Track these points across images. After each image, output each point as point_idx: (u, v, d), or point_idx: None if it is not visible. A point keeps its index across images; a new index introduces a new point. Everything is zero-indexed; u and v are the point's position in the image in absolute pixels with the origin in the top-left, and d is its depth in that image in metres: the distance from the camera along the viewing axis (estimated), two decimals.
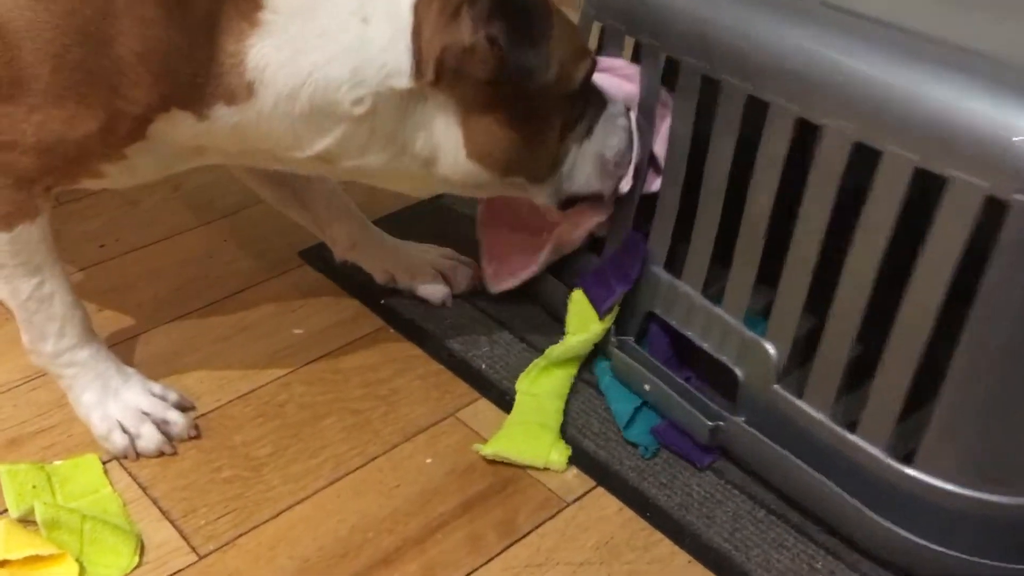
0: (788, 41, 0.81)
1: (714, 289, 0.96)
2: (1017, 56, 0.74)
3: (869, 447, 0.83)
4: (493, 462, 0.96)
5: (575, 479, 0.95)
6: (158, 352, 1.08)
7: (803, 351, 0.90)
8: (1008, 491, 0.79)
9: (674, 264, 0.98)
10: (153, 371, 1.02)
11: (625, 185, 0.99)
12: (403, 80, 0.82)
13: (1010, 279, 0.72)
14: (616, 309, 1.02)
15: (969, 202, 0.71)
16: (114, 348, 0.99)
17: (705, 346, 0.96)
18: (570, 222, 1.02)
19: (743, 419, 0.93)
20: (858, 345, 0.83)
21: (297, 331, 1.12)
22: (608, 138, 0.95)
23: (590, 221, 1.01)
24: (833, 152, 0.78)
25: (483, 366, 1.08)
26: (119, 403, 0.96)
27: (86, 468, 0.93)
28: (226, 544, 0.88)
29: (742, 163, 0.88)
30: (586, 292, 1.01)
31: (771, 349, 0.89)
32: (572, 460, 0.97)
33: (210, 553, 0.87)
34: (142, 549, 0.87)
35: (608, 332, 1.03)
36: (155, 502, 0.91)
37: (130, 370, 0.99)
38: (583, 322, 1.02)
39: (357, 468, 0.96)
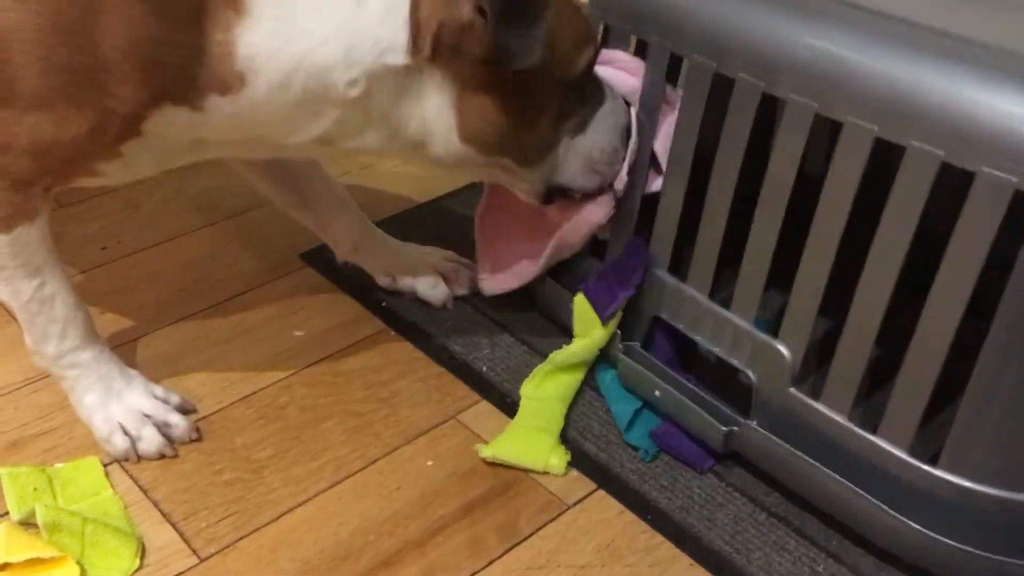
0: (805, 37, 0.80)
1: (722, 292, 0.96)
2: None
3: (892, 448, 0.83)
4: (494, 464, 0.96)
5: (576, 482, 0.95)
6: (159, 354, 1.08)
7: (816, 352, 0.90)
8: None
9: (680, 267, 0.98)
10: (154, 373, 1.02)
11: (620, 184, 0.98)
12: (398, 56, 0.81)
13: None
14: (619, 314, 1.01)
15: (997, 197, 0.71)
16: (116, 350, 0.99)
17: (716, 350, 0.95)
18: (571, 224, 1.01)
19: (757, 423, 0.93)
20: (877, 346, 0.82)
21: (298, 333, 1.12)
22: (601, 136, 0.94)
23: (592, 223, 1.01)
24: (853, 148, 0.78)
25: (484, 368, 1.08)
26: (121, 405, 0.96)
27: (87, 471, 0.93)
28: (227, 546, 0.88)
29: (748, 164, 0.88)
30: (588, 297, 1.01)
31: (785, 352, 0.88)
32: (573, 463, 0.97)
33: (211, 556, 0.87)
34: (143, 552, 0.87)
35: (613, 337, 1.03)
36: (156, 504, 0.91)
37: (133, 372, 0.99)
38: (586, 327, 1.02)
39: (358, 470, 0.96)
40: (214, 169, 1.41)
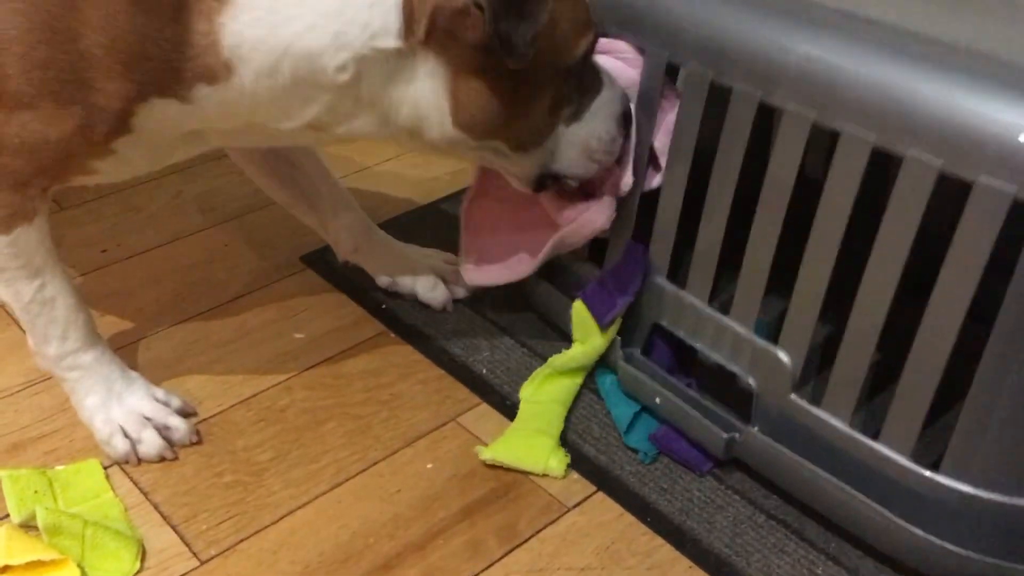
0: (801, 46, 0.80)
1: (721, 298, 0.96)
2: None
3: (893, 454, 0.83)
4: (494, 467, 0.97)
5: (576, 484, 0.95)
6: (159, 357, 1.09)
7: (817, 357, 0.90)
8: None
9: (679, 274, 0.98)
10: (154, 376, 1.02)
11: (626, 188, 0.98)
12: (390, 40, 0.80)
13: None
14: (618, 321, 1.01)
15: (995, 206, 0.71)
16: (116, 353, 1.00)
17: (716, 357, 0.95)
18: (574, 227, 1.00)
19: (758, 429, 0.93)
20: (876, 351, 0.82)
21: (298, 336, 1.13)
22: (598, 125, 0.92)
23: (595, 228, 1.00)
24: (850, 157, 0.78)
25: (484, 371, 1.08)
26: (122, 407, 0.96)
27: (88, 473, 0.93)
28: (227, 549, 0.88)
29: (746, 170, 0.88)
30: (587, 304, 1.01)
31: (785, 358, 0.89)
32: (573, 465, 0.97)
33: (211, 558, 0.87)
34: (143, 554, 0.87)
35: (613, 343, 1.03)
36: (156, 507, 0.91)
37: (134, 374, 0.99)
38: (585, 333, 1.02)
39: (358, 473, 0.96)
40: (214, 171, 1.42)
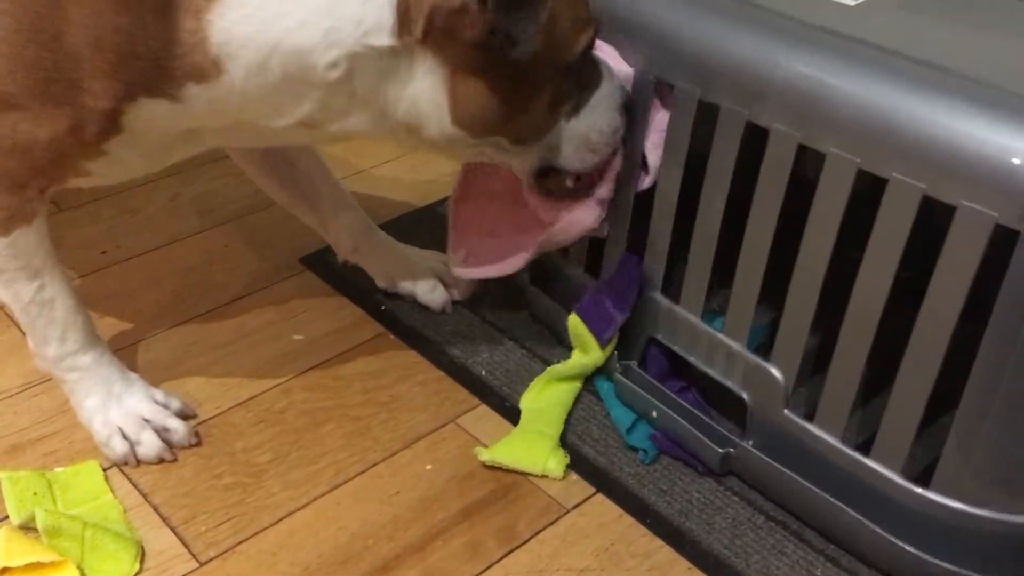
0: (787, 66, 0.80)
1: (715, 307, 0.97)
2: (1020, 81, 0.74)
3: (884, 470, 0.83)
4: (493, 468, 0.97)
5: (575, 485, 0.96)
6: (159, 358, 1.09)
7: (809, 368, 0.90)
8: None
9: (673, 287, 0.98)
10: (154, 377, 1.02)
11: (612, 189, 0.98)
12: (383, 38, 0.79)
13: (1023, 304, 0.72)
14: (616, 336, 1.01)
15: (978, 230, 0.71)
16: (115, 354, 0.99)
17: (710, 371, 0.95)
18: (561, 226, 1.00)
19: (752, 443, 0.93)
20: (866, 366, 0.83)
21: (298, 337, 1.13)
22: (598, 118, 0.91)
23: (583, 227, 0.99)
24: (836, 178, 0.78)
25: (483, 372, 1.08)
26: (121, 409, 0.96)
27: (87, 475, 0.93)
28: (227, 551, 0.88)
29: (737, 187, 0.88)
30: (584, 320, 1.01)
31: (778, 375, 0.89)
32: (572, 466, 0.97)
33: (211, 560, 0.87)
34: (143, 556, 0.87)
35: (611, 354, 1.03)
36: (156, 509, 0.91)
37: (133, 376, 0.99)
38: (583, 345, 1.02)
39: (357, 475, 0.96)
40: (212, 173, 1.42)
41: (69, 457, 0.96)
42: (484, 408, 1.04)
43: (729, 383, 0.94)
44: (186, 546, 0.88)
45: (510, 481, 0.96)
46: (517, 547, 0.90)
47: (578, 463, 0.97)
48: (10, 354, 1.07)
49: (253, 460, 0.97)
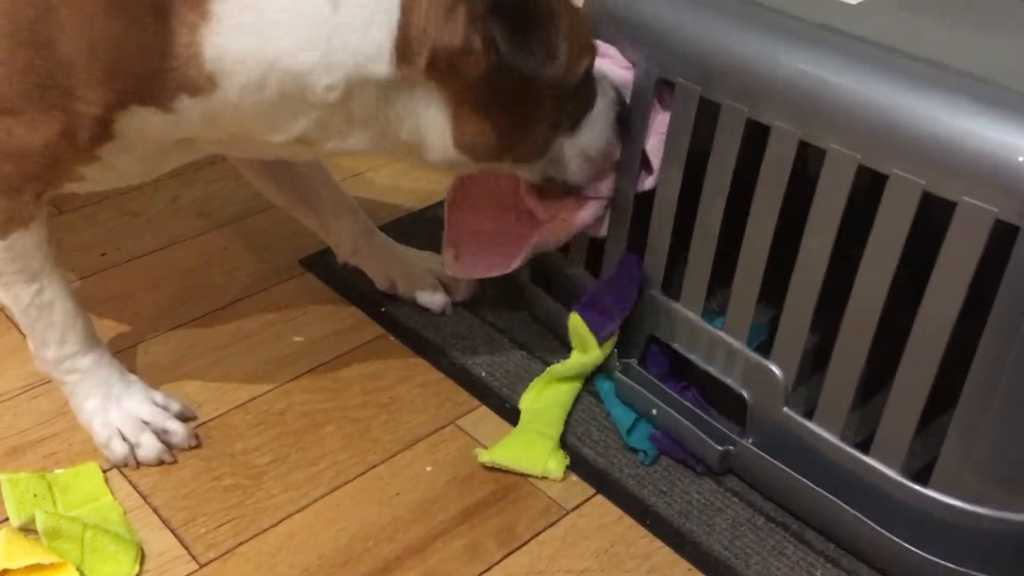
0: (789, 64, 0.80)
1: (715, 307, 0.97)
2: (1020, 78, 0.74)
3: (883, 468, 0.83)
4: (493, 470, 0.97)
5: (575, 487, 0.95)
6: (158, 360, 1.09)
7: (809, 366, 0.90)
8: None
9: (673, 286, 0.98)
10: (153, 379, 1.02)
11: (612, 186, 0.98)
12: (382, 67, 0.79)
13: (1023, 301, 0.72)
14: (616, 335, 1.01)
15: (978, 226, 0.71)
16: (115, 356, 0.99)
17: (710, 369, 0.95)
18: (557, 224, 1.00)
19: (752, 441, 0.93)
20: (866, 364, 0.82)
21: (297, 339, 1.13)
22: (596, 135, 0.93)
23: (578, 225, 1.00)
24: (837, 175, 0.78)
25: (483, 374, 1.08)
26: (120, 411, 0.96)
27: (87, 477, 0.93)
28: (226, 552, 0.88)
29: (737, 184, 0.88)
30: (584, 319, 1.00)
31: (778, 372, 0.89)
32: (572, 468, 0.97)
33: (211, 561, 0.87)
34: (143, 558, 0.87)
35: (611, 353, 1.03)
36: (156, 510, 0.91)
37: (133, 378, 0.99)
38: (583, 345, 1.02)
39: (357, 476, 0.96)
40: (212, 175, 1.42)
41: (69, 459, 0.96)
42: (484, 409, 1.04)
43: (729, 381, 0.94)
44: (186, 548, 0.88)
45: (510, 482, 0.96)
46: (517, 548, 0.89)
47: (578, 464, 0.97)
48: (10, 356, 1.07)
49: (253, 462, 0.97)
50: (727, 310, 0.92)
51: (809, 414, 0.88)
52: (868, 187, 0.77)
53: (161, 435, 0.96)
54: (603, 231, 1.01)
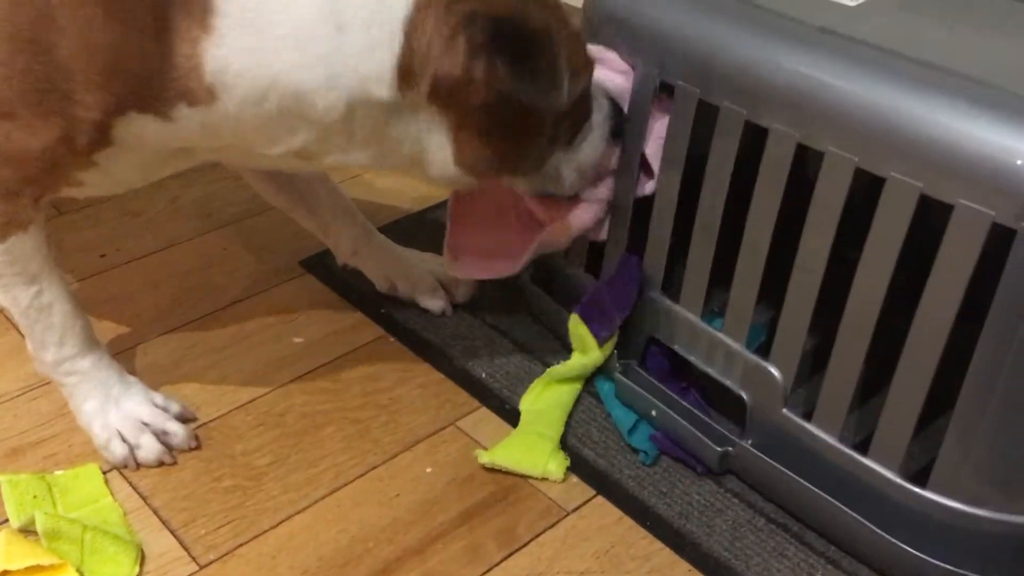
0: (787, 66, 0.80)
1: (715, 308, 0.97)
2: (1018, 81, 0.74)
3: (881, 469, 0.83)
4: (493, 471, 0.97)
5: (575, 488, 0.95)
6: (158, 361, 1.09)
7: (808, 367, 0.90)
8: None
9: (673, 287, 0.98)
10: (153, 381, 1.02)
11: (611, 190, 0.98)
12: (383, 90, 0.79)
13: (1020, 304, 0.72)
14: (615, 336, 1.01)
15: (975, 229, 0.71)
16: (114, 358, 0.99)
17: (709, 371, 0.95)
18: (558, 226, 1.00)
19: (751, 442, 0.93)
20: (864, 364, 0.82)
21: (297, 340, 1.13)
22: (590, 149, 0.94)
23: (579, 227, 1.00)
24: (835, 177, 0.78)
25: (483, 375, 1.08)
26: (119, 412, 0.96)
27: (87, 478, 0.93)
28: (227, 554, 0.88)
29: (737, 186, 0.88)
30: (583, 319, 1.01)
31: (777, 374, 0.89)
32: (572, 469, 0.97)
33: (211, 563, 0.87)
34: (143, 559, 0.87)
35: (610, 354, 1.03)
36: (156, 512, 0.91)
37: (132, 379, 0.99)
38: (583, 345, 1.02)
39: (357, 477, 0.96)
40: (212, 176, 1.42)
41: (69, 460, 0.96)
42: (484, 411, 1.04)
43: (728, 382, 0.94)
44: (186, 549, 0.88)
45: (510, 484, 0.96)
46: (517, 550, 0.89)
47: (578, 465, 0.97)
48: (9, 357, 1.07)
49: (253, 463, 0.97)
50: (726, 311, 0.92)
51: (808, 415, 0.88)
52: (867, 189, 0.77)
53: (161, 436, 0.96)
54: (603, 234, 1.01)
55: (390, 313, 1.16)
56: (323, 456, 0.98)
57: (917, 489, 0.82)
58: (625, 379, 1.01)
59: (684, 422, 0.96)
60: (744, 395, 0.92)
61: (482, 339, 1.13)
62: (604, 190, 0.98)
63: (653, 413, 0.99)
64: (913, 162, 0.73)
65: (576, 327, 1.02)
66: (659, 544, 0.90)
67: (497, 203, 1.06)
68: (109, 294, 1.19)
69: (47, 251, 0.89)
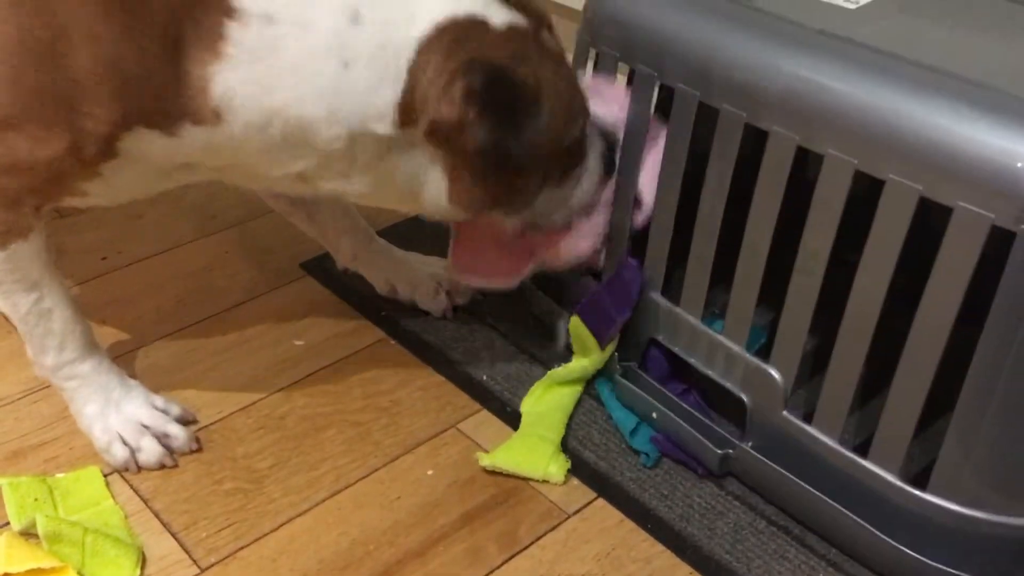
0: (787, 69, 0.80)
1: (715, 310, 0.97)
2: (1018, 84, 0.74)
3: (881, 472, 0.83)
4: (494, 473, 0.97)
5: (576, 490, 0.95)
6: (159, 364, 1.09)
7: (808, 370, 0.90)
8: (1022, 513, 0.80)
9: (673, 289, 0.98)
10: (154, 383, 1.02)
11: (601, 219, 1.00)
12: (385, 126, 0.81)
13: (1020, 306, 0.72)
14: (616, 338, 1.01)
15: (975, 232, 0.71)
16: (115, 361, 1.00)
17: (710, 373, 0.95)
18: (555, 251, 1.01)
19: (751, 444, 0.93)
20: (864, 366, 0.82)
21: (298, 343, 1.13)
22: (581, 190, 0.96)
23: (577, 254, 1.01)
24: (835, 180, 0.78)
25: (484, 377, 1.08)
26: (120, 416, 0.96)
27: (88, 481, 0.93)
28: (227, 557, 0.88)
29: (737, 188, 0.88)
30: (584, 322, 1.01)
31: (777, 376, 0.89)
32: (573, 471, 0.97)
33: (211, 566, 0.87)
34: (144, 562, 0.87)
35: (611, 356, 1.03)
36: (157, 515, 0.91)
37: (133, 382, 0.99)
38: (584, 347, 1.02)
39: (358, 480, 0.96)
40: (214, 181, 1.41)
41: (70, 463, 0.96)
42: (485, 413, 1.04)
43: (729, 384, 0.94)
44: (187, 552, 0.88)
45: (511, 486, 0.96)
46: (518, 552, 0.89)
47: (579, 468, 0.97)
48: (10, 360, 1.08)
49: (254, 466, 0.97)
50: (726, 313, 0.92)
51: (808, 418, 0.88)
52: (867, 191, 0.77)
53: (162, 439, 0.96)
54: (601, 262, 1.02)
55: (391, 315, 1.17)
56: (324, 459, 0.98)
57: (917, 491, 0.82)
58: (625, 381, 1.01)
59: (684, 424, 0.96)
60: (744, 397, 0.92)
61: (483, 341, 1.13)
62: (600, 220, 1.00)
63: (653, 415, 0.99)
64: (913, 165, 0.73)
65: (577, 328, 1.02)
66: (660, 546, 0.90)
67: (497, 227, 1.07)
68: (110, 297, 1.19)
69: (47, 257, 0.90)
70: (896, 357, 0.79)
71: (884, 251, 0.77)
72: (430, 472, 0.97)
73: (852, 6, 0.87)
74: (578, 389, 1.05)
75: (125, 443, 0.95)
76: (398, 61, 0.80)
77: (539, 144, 0.84)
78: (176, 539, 0.89)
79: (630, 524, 0.92)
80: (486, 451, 0.98)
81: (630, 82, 0.97)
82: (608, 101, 0.97)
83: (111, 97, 0.77)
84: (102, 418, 0.96)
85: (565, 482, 0.96)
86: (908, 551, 0.83)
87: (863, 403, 0.91)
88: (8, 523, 0.88)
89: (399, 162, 0.85)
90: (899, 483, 0.82)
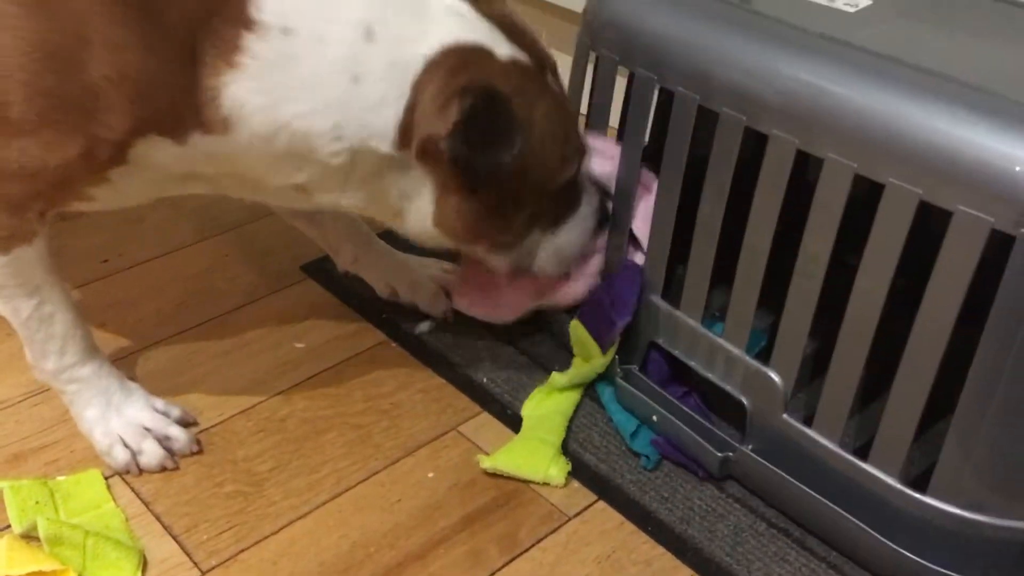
0: (787, 72, 0.80)
1: (715, 313, 0.97)
2: (1018, 88, 0.74)
3: (881, 475, 0.83)
4: (495, 476, 0.97)
5: (577, 493, 0.96)
6: (160, 367, 1.09)
7: (808, 373, 0.90)
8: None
9: (673, 292, 0.98)
10: (155, 386, 1.03)
11: (597, 263, 1.02)
12: (385, 145, 0.83)
13: (1020, 309, 0.72)
14: (617, 341, 1.02)
15: (974, 235, 0.71)
16: (116, 363, 1.00)
17: (710, 376, 0.96)
18: (553, 294, 1.03)
19: (751, 447, 0.93)
20: (864, 369, 0.82)
21: (299, 345, 1.13)
22: (573, 238, 0.97)
23: (574, 296, 1.03)
24: (834, 183, 0.78)
25: (484, 380, 1.08)
26: (121, 419, 0.96)
27: (89, 483, 0.93)
28: (228, 559, 0.88)
29: (737, 191, 0.88)
30: (585, 326, 1.01)
31: (777, 379, 0.89)
32: (573, 474, 0.97)
33: (212, 568, 0.87)
34: (144, 564, 0.87)
35: (612, 359, 1.03)
36: (157, 517, 0.91)
37: (133, 385, 0.99)
38: (585, 352, 1.03)
39: (358, 483, 0.96)
40: None
41: (71, 466, 0.96)
42: (485, 416, 1.04)
43: (729, 387, 0.94)
44: (188, 555, 0.88)
45: (511, 489, 0.96)
46: (519, 555, 0.90)
47: (579, 470, 0.97)
48: (10, 363, 1.08)
49: (254, 468, 0.97)
50: (726, 316, 0.92)
51: (808, 421, 0.88)
52: (867, 195, 0.77)
53: (163, 441, 0.96)
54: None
55: (391, 318, 1.17)
56: (324, 461, 0.98)
57: (917, 494, 0.82)
58: (626, 384, 1.02)
59: (685, 427, 0.96)
60: (744, 400, 0.93)
61: (483, 344, 1.13)
62: (595, 265, 1.01)
63: (654, 418, 0.99)
64: (912, 168, 0.73)
65: (578, 332, 1.02)
66: (660, 549, 0.90)
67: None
68: (111, 299, 1.19)
69: (50, 262, 0.90)
70: (896, 360, 0.79)
71: (884, 254, 0.77)
72: (431, 475, 0.97)
73: (851, 10, 0.87)
74: (579, 392, 1.05)
75: (126, 446, 0.95)
76: (405, 79, 0.81)
77: (517, 173, 0.85)
78: (177, 542, 0.89)
79: (631, 526, 0.92)
80: (487, 454, 0.98)
81: (629, 84, 0.97)
82: (603, 155, 0.99)
83: (127, 104, 0.78)
84: (103, 421, 0.96)
85: (566, 485, 0.96)
86: (908, 554, 0.84)
87: (863, 406, 0.91)
88: (9, 526, 0.88)
89: (392, 182, 0.87)
90: (899, 486, 0.83)
